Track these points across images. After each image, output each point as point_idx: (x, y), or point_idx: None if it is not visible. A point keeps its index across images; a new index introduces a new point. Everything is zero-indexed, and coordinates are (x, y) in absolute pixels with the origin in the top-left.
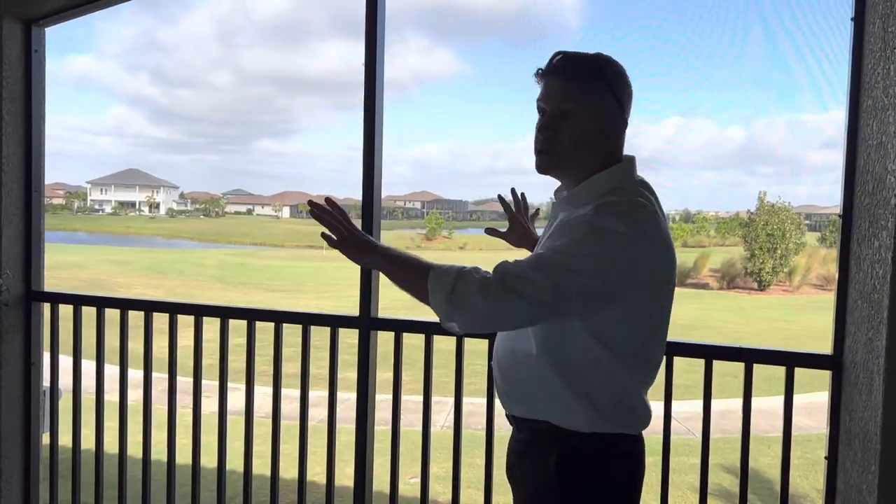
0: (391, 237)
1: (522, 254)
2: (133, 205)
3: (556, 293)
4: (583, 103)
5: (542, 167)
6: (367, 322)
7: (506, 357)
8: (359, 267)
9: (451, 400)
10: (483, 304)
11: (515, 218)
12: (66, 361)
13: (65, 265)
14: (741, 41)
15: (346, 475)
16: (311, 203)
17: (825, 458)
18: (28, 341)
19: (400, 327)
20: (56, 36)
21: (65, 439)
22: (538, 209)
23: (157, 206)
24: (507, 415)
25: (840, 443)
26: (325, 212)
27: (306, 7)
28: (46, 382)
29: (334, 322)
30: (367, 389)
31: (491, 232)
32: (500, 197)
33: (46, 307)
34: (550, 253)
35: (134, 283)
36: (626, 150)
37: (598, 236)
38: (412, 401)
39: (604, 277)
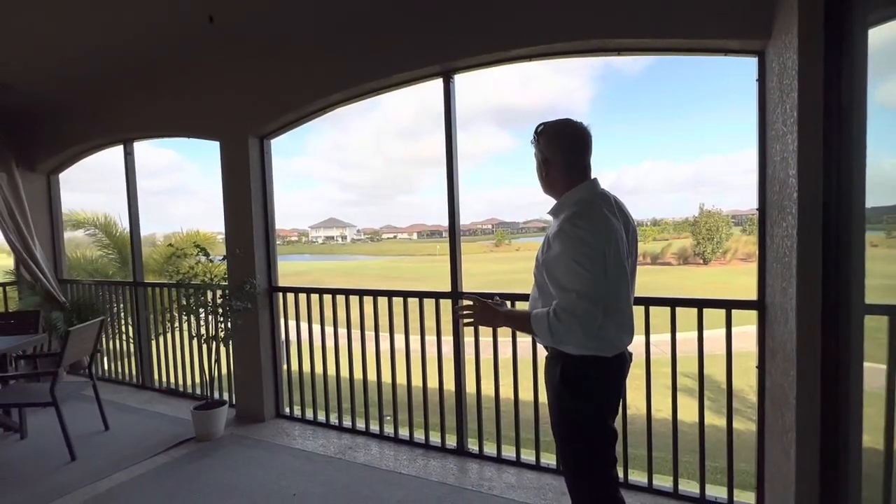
0: (474, 247)
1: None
2: (332, 237)
3: (587, 287)
4: (544, 151)
5: (544, 191)
6: (456, 294)
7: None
8: (449, 262)
9: (510, 339)
10: (574, 331)
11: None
12: (292, 325)
13: (297, 272)
14: (687, 109)
15: (450, 383)
16: (456, 309)
17: (756, 367)
18: (272, 314)
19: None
20: (282, 145)
21: (294, 368)
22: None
23: (345, 237)
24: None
25: (766, 356)
26: (463, 310)
27: (421, 117)
28: (283, 336)
29: (438, 295)
30: (459, 334)
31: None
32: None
33: (281, 294)
34: (564, 269)
35: (333, 280)
36: (615, 182)
37: (575, 240)
38: (486, 341)
39: (592, 261)
